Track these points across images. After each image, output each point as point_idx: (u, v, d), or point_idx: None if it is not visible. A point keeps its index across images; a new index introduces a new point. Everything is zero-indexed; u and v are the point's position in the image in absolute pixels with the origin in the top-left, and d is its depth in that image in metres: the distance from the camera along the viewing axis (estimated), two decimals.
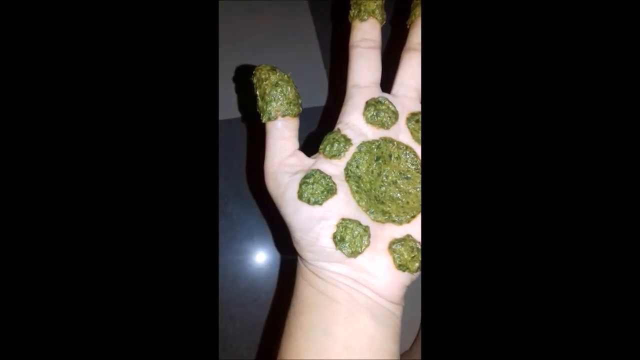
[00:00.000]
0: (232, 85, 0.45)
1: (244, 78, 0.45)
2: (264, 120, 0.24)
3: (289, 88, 0.24)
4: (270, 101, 0.24)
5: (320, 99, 0.46)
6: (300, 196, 0.23)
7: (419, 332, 0.44)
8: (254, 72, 0.24)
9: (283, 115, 0.24)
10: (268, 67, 0.24)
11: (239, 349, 0.39)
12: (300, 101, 0.25)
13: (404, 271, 0.23)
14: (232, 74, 0.45)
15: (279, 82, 0.24)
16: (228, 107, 0.44)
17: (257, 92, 0.24)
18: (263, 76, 0.24)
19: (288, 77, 0.24)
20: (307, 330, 0.23)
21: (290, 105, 0.24)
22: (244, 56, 0.45)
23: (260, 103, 0.24)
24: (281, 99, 0.24)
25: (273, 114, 0.24)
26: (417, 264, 0.24)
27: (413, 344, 0.45)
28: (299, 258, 0.25)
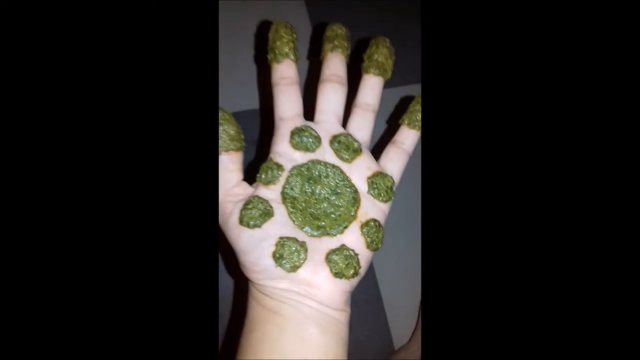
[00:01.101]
0: (232, 82, 0.46)
1: (243, 75, 0.46)
2: None
3: (230, 125, 0.27)
4: None
5: None
6: (241, 221, 0.25)
7: (417, 326, 0.45)
8: None
9: (226, 151, 0.27)
10: None
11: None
12: (242, 136, 0.27)
13: (340, 278, 0.25)
14: (232, 72, 0.46)
15: (221, 122, 0.26)
16: (227, 102, 0.43)
17: None
18: None
19: (229, 115, 0.27)
20: (255, 346, 0.25)
21: (232, 142, 0.27)
22: (243, 54, 0.46)
23: None
24: (224, 136, 0.26)
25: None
26: (352, 271, 0.25)
27: (411, 339, 0.45)
28: (249, 280, 0.27)
